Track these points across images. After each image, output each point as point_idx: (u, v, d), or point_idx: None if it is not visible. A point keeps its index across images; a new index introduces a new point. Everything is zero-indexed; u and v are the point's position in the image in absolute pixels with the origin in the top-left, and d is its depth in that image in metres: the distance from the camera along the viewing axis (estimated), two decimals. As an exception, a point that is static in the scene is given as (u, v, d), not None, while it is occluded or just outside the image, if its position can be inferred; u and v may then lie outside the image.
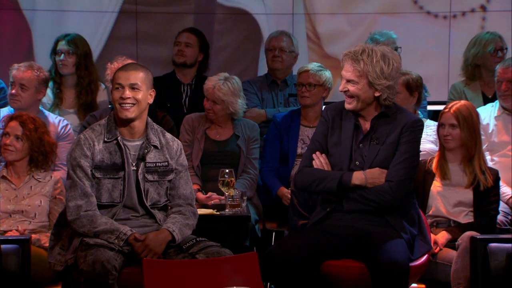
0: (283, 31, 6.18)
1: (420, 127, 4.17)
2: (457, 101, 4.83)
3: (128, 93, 4.02)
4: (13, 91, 5.28)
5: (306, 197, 4.63)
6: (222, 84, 5.32)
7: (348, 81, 4.08)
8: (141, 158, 4.06)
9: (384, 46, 4.19)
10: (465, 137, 4.67)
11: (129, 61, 5.20)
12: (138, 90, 4.04)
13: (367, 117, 4.15)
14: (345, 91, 4.10)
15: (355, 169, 4.11)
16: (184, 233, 4.05)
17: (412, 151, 4.13)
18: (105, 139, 4.04)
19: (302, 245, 3.98)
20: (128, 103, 4.02)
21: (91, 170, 4.00)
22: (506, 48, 5.95)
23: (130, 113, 4.03)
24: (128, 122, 4.06)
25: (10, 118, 4.78)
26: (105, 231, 3.93)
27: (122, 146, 4.04)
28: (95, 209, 3.98)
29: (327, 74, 5.51)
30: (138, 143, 4.09)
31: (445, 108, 4.78)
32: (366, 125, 4.15)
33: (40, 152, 4.73)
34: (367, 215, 4.08)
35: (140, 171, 4.05)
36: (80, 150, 4.01)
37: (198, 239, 4.04)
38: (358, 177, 4.08)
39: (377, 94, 4.08)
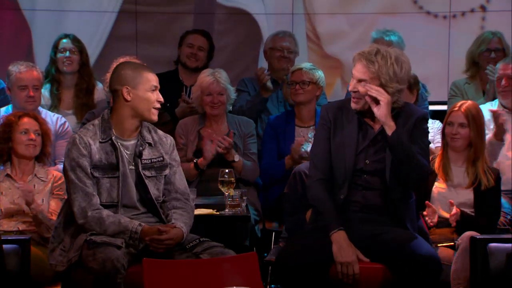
0: (287, 32, 6.17)
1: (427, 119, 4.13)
2: (464, 101, 4.83)
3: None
4: (31, 93, 5.28)
5: (299, 197, 4.63)
6: (217, 74, 5.37)
7: (360, 80, 3.96)
8: (138, 155, 4.05)
9: (396, 48, 4.09)
10: (473, 137, 4.66)
11: (134, 60, 5.16)
12: None
13: (373, 116, 4.01)
14: (354, 91, 3.98)
15: (364, 169, 4.01)
16: (187, 236, 4.05)
17: (427, 141, 4.08)
18: (100, 140, 4.02)
19: (312, 248, 3.92)
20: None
21: (90, 169, 3.99)
22: (504, 49, 5.91)
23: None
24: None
25: (18, 116, 4.81)
26: (115, 232, 3.92)
27: (117, 146, 4.02)
28: (100, 208, 3.96)
29: (319, 73, 5.52)
30: (133, 142, 4.07)
31: (454, 107, 4.76)
32: (374, 124, 4.04)
33: (47, 143, 4.81)
34: (376, 217, 4.02)
35: (140, 168, 4.04)
36: (77, 150, 3.98)
37: (201, 239, 4.03)
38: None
39: None
